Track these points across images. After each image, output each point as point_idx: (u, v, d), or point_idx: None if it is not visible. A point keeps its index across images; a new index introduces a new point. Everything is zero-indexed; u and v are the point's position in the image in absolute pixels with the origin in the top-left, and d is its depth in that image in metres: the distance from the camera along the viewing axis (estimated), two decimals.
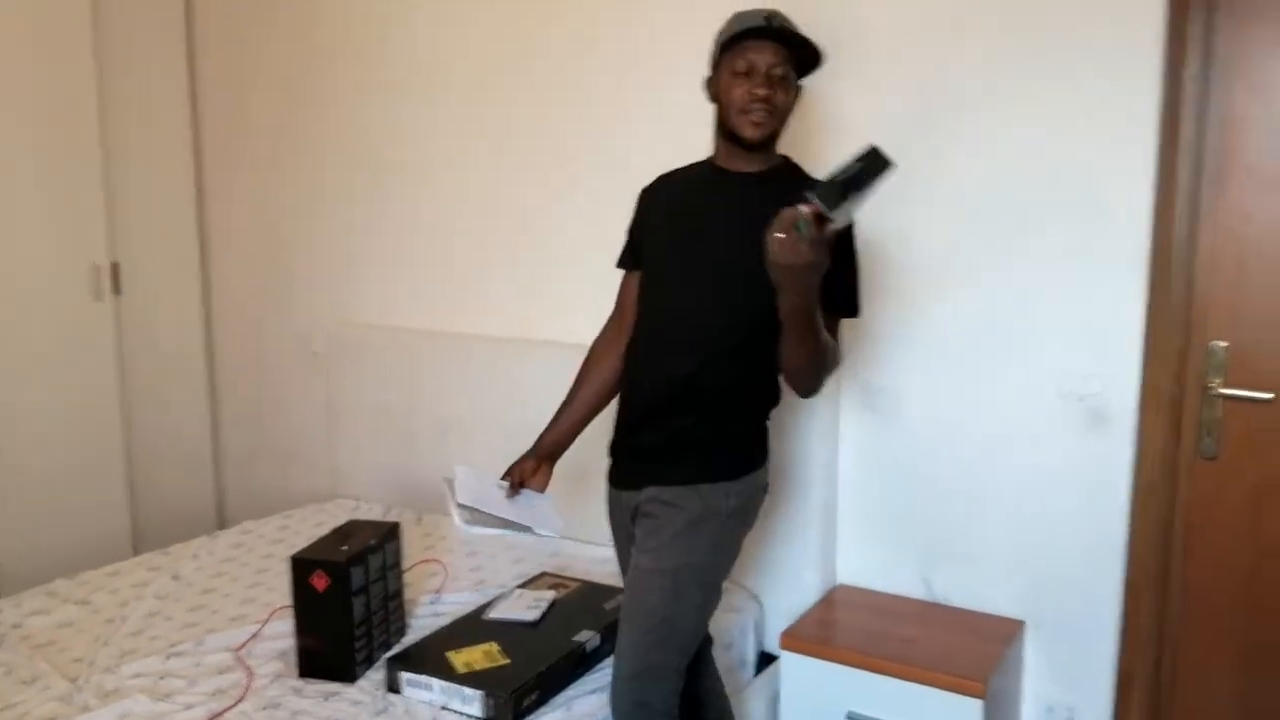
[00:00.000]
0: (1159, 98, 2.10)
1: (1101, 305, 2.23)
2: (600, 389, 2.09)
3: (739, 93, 1.76)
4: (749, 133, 1.77)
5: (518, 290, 3.02)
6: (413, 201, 3.20)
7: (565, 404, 2.12)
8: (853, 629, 2.40)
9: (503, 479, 2.11)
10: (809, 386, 1.81)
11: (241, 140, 3.56)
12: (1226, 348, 2.15)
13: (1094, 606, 2.32)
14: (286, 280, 3.54)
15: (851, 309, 1.86)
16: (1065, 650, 2.37)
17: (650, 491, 1.89)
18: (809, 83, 1.84)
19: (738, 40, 1.75)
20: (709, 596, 1.88)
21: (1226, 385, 2.16)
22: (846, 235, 1.77)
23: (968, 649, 2.27)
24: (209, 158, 3.65)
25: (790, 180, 1.78)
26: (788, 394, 1.91)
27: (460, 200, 3.10)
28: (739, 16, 1.79)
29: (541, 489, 2.11)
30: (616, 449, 2.01)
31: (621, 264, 2.05)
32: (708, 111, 1.88)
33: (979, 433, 2.40)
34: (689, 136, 1.99)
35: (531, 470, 2.11)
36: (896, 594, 2.56)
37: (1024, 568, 2.39)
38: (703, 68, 1.87)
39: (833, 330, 1.79)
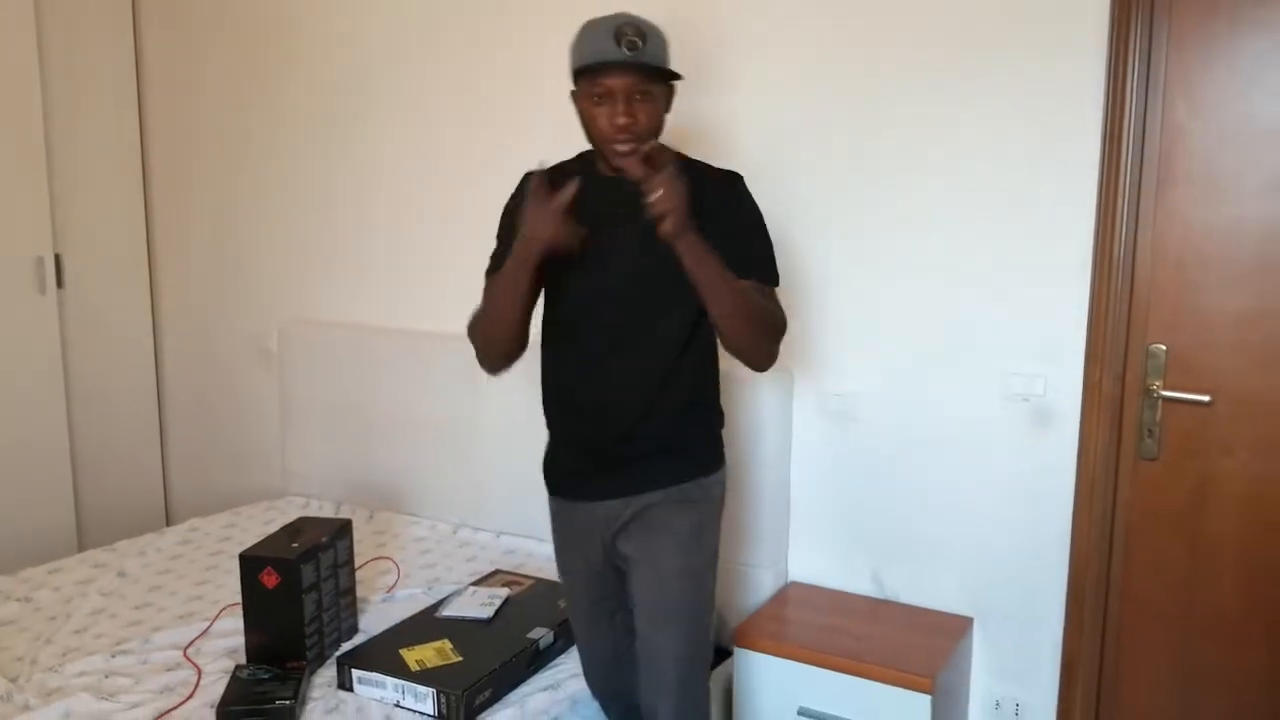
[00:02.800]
0: (1102, 110, 2.16)
1: (1046, 309, 2.28)
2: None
3: (601, 120, 1.71)
4: (619, 163, 1.72)
5: (472, 288, 3.00)
6: (368, 198, 3.18)
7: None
8: (805, 626, 2.43)
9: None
10: (751, 346, 1.77)
11: (191, 132, 3.51)
12: (1166, 351, 2.21)
13: (1039, 603, 2.37)
14: (237, 275, 3.49)
15: (766, 274, 1.82)
16: (1012, 645, 2.42)
17: (651, 496, 1.85)
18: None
19: (590, 70, 1.70)
20: (714, 583, 1.95)
21: (1166, 387, 2.22)
22: (750, 205, 1.83)
23: (917, 645, 2.31)
24: (156, 149, 3.59)
25: (690, 177, 1.68)
26: (743, 394, 1.93)
27: (416, 197, 3.08)
28: (589, 30, 1.73)
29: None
30: (576, 465, 1.93)
31: (496, 270, 1.89)
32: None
33: (928, 434, 2.44)
34: None
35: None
36: (848, 591, 2.59)
37: (972, 565, 2.44)
38: None
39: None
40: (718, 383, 1.95)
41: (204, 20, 3.42)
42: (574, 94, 1.78)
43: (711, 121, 2.51)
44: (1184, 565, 2.25)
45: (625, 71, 1.68)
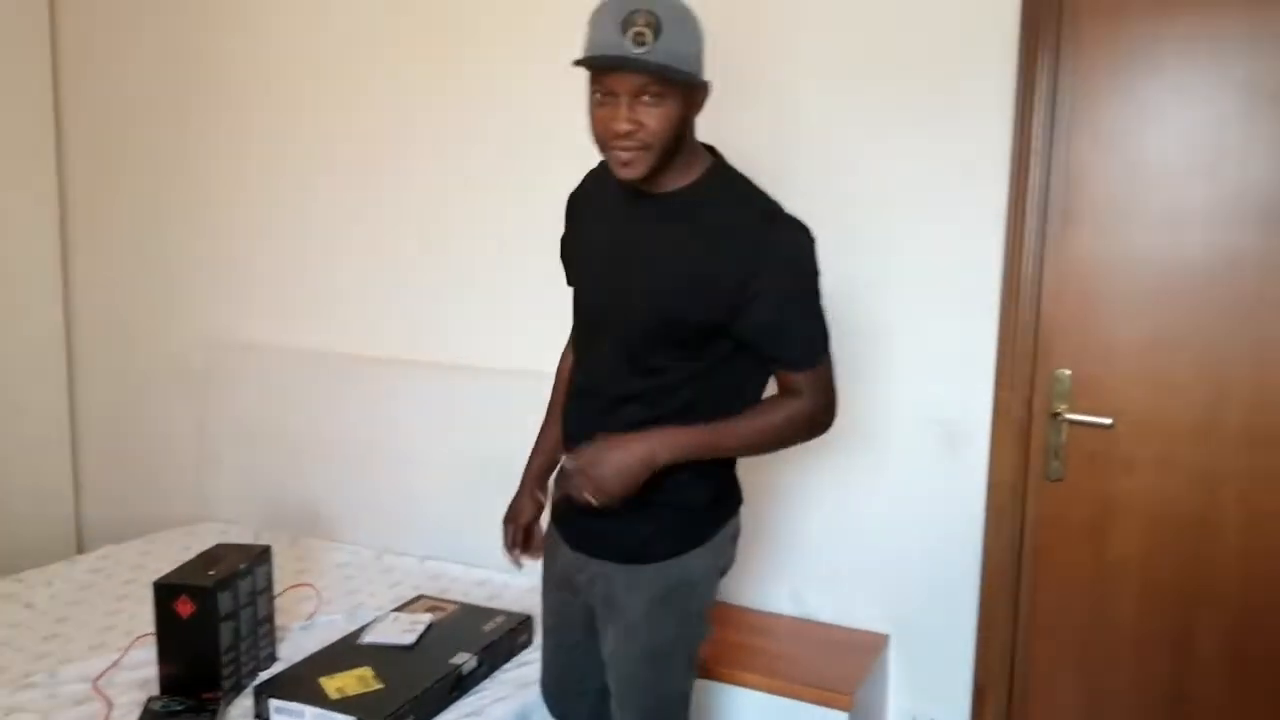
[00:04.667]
0: (1010, 145, 2.25)
1: (958, 335, 2.36)
2: None
3: (598, 124, 1.51)
4: (620, 173, 1.52)
5: (400, 312, 3.00)
6: (294, 218, 3.14)
7: (545, 424, 1.92)
8: (726, 645, 2.46)
9: (505, 524, 1.93)
10: (787, 447, 1.67)
11: (111, 144, 3.43)
12: (1071, 375, 2.30)
13: (952, 620, 2.44)
14: (157, 295, 3.42)
15: (796, 362, 1.62)
16: (926, 663, 2.49)
17: (604, 566, 1.69)
18: None
19: (589, 64, 1.48)
20: (693, 662, 1.76)
21: (1071, 411, 2.31)
22: (791, 277, 1.58)
23: (835, 663, 2.35)
24: (72, 160, 3.48)
25: (713, 202, 1.56)
26: None
27: (345, 220, 3.06)
28: (599, 13, 1.48)
29: (536, 552, 1.91)
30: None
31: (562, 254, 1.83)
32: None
33: (845, 455, 2.50)
34: (590, 152, 1.74)
35: (533, 510, 1.90)
36: (768, 611, 2.63)
37: (888, 584, 2.50)
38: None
39: (790, 386, 1.62)
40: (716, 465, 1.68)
41: (127, 16, 3.33)
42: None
43: None
44: (1089, 583, 2.34)
45: (629, 69, 1.44)
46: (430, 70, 2.87)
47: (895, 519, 2.47)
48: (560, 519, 1.81)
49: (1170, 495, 2.24)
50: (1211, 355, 2.18)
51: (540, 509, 1.92)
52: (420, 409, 2.83)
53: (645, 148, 1.50)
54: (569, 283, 1.80)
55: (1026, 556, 2.38)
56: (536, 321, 1.88)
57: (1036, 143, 2.22)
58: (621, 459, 1.54)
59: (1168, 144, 2.17)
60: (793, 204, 2.48)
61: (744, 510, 2.60)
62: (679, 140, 1.53)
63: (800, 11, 2.42)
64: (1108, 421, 2.27)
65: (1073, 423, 2.31)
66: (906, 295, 2.40)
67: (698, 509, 1.69)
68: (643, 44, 1.42)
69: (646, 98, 1.47)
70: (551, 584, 1.88)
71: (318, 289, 3.13)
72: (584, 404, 1.72)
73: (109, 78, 3.40)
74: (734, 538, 1.79)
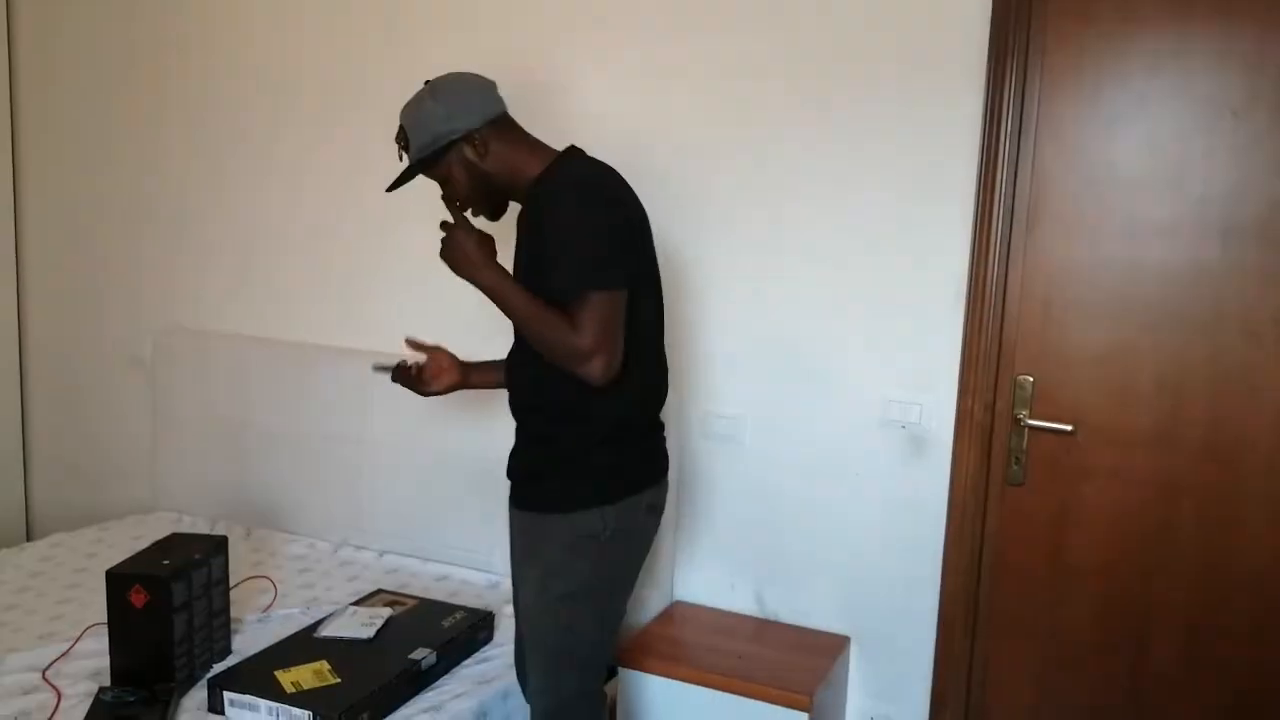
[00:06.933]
0: (978, 151, 2.27)
1: (923, 340, 2.38)
2: None
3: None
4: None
5: (354, 300, 2.97)
6: (248, 206, 3.10)
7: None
8: (688, 645, 2.46)
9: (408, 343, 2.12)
10: (555, 360, 1.76)
11: (64, 132, 3.37)
12: (1033, 382, 2.33)
13: (912, 623, 2.45)
14: (109, 281, 3.36)
15: (560, 286, 1.73)
16: (886, 664, 2.50)
17: (522, 517, 1.92)
18: None
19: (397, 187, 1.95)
20: (604, 618, 1.92)
21: (1033, 417, 2.33)
22: (555, 217, 1.76)
23: (796, 664, 2.36)
24: (26, 146, 3.42)
25: (533, 199, 1.85)
26: None
27: (298, 207, 3.03)
28: None
29: (442, 385, 2.12)
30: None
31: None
32: (557, 126, 1.97)
33: (810, 458, 2.51)
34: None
35: (446, 363, 2.12)
36: (731, 611, 2.64)
37: (849, 586, 2.51)
38: (531, 90, 1.99)
39: (568, 311, 1.71)
40: (609, 412, 1.83)
41: (82, 12, 3.28)
42: None
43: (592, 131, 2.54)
44: (1047, 588, 2.37)
45: (405, 182, 1.92)
46: (378, 53, 2.85)
47: (857, 521, 2.48)
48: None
49: (1128, 501, 2.27)
50: (1171, 365, 2.21)
51: (449, 380, 2.12)
52: (380, 401, 2.80)
53: (466, 203, 1.91)
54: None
55: (986, 560, 2.41)
56: (496, 319, 1.89)
57: (1003, 147, 2.25)
58: (464, 252, 1.82)
59: (1132, 155, 2.20)
60: (758, 207, 2.51)
61: (710, 510, 2.64)
62: (486, 186, 1.89)
63: (765, 11, 2.42)
64: (1068, 428, 2.30)
65: (1034, 428, 2.33)
66: (872, 299, 2.41)
67: (583, 472, 1.85)
68: (402, 159, 1.91)
69: (439, 182, 1.91)
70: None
71: (275, 278, 3.09)
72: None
73: (63, 68, 3.34)
74: (652, 510, 1.95)
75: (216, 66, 3.10)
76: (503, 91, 1.93)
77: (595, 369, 1.70)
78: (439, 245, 1.85)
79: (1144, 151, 2.19)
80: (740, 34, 2.45)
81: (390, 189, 1.93)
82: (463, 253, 1.82)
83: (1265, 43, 2.08)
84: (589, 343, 1.69)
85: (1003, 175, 2.26)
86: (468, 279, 1.82)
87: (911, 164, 2.33)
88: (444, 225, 1.86)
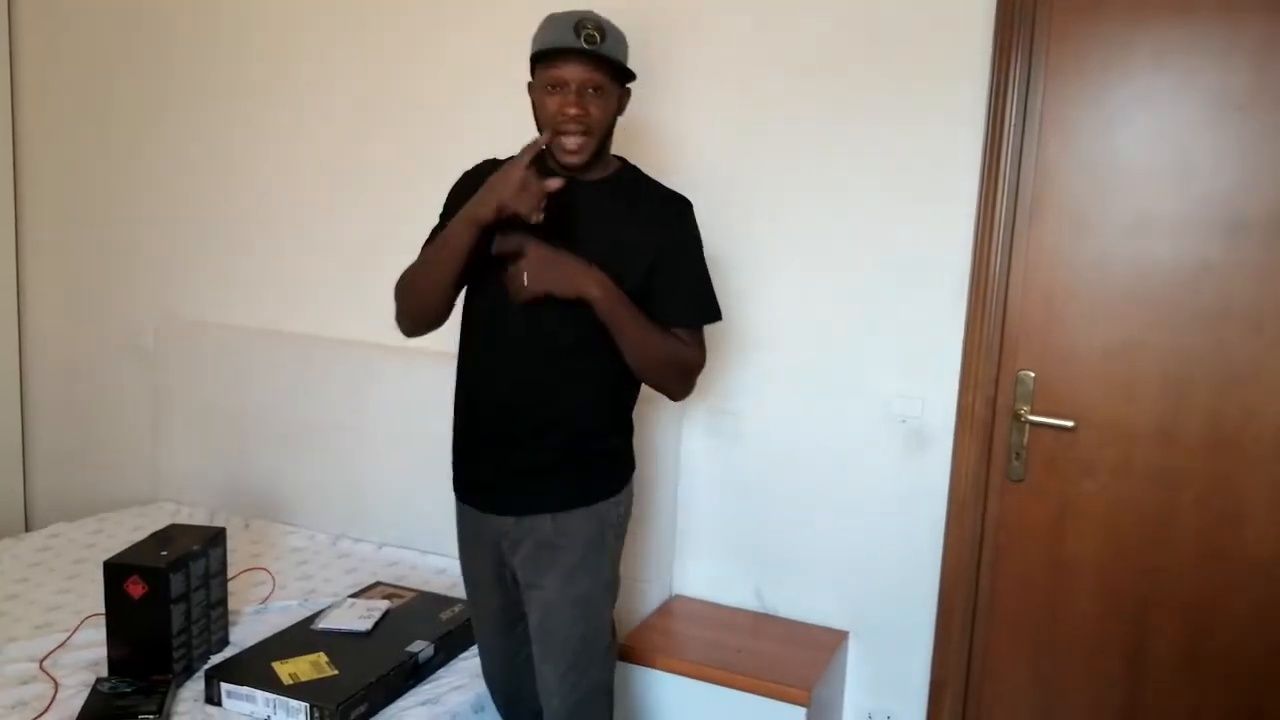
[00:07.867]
0: (981, 146, 2.26)
1: (926, 335, 2.37)
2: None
3: (552, 107, 1.71)
4: (565, 159, 1.72)
5: (356, 292, 2.96)
6: (249, 197, 3.10)
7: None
8: (686, 639, 2.46)
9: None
10: (659, 385, 1.84)
11: (64, 120, 3.36)
12: (1035, 377, 2.32)
13: (911, 618, 2.45)
14: (110, 272, 3.35)
15: (688, 313, 1.82)
16: (884, 660, 2.50)
17: (537, 521, 1.82)
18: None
19: (546, 57, 1.70)
20: (612, 608, 1.92)
21: (1034, 413, 2.32)
22: (686, 237, 1.81)
23: (794, 659, 2.36)
24: (28, 137, 3.41)
25: (636, 188, 1.82)
26: (635, 410, 1.93)
27: (300, 199, 3.02)
28: (551, 22, 1.73)
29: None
30: (477, 472, 1.89)
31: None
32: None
33: (810, 452, 2.50)
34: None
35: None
36: (730, 605, 2.63)
37: (849, 581, 2.51)
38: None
39: (680, 329, 1.80)
40: (628, 399, 1.89)
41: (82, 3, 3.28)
42: (530, 85, 1.78)
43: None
44: (1047, 584, 2.36)
45: (581, 62, 1.68)
46: (377, 42, 2.84)
47: (857, 516, 2.48)
48: (482, 490, 1.88)
49: (1129, 498, 2.27)
50: (1173, 361, 2.20)
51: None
52: (379, 393, 2.80)
53: (589, 133, 1.72)
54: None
55: (986, 556, 2.40)
56: None
57: (1007, 141, 2.23)
58: (571, 265, 1.69)
59: (1137, 150, 2.19)
60: (758, 202, 2.50)
61: (711, 505, 2.63)
62: (608, 136, 1.77)
63: (765, 10, 2.41)
64: (1069, 424, 2.29)
65: (1035, 424, 2.33)
66: (874, 294, 2.40)
67: (613, 457, 1.89)
68: (594, 43, 1.68)
69: (591, 90, 1.70)
70: (476, 568, 1.96)
71: (275, 269, 3.08)
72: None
73: (62, 58, 3.33)
74: (632, 495, 1.96)
75: (216, 56, 3.09)
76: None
77: (694, 382, 1.87)
78: (509, 281, 1.70)
79: (1148, 146, 2.18)
80: (738, 15, 2.44)
81: (590, 53, 1.67)
82: (562, 267, 1.69)
83: (1271, 38, 2.06)
84: (704, 361, 1.85)
85: (1006, 169, 2.25)
86: (576, 293, 1.68)
87: (914, 158, 2.32)
88: (506, 253, 1.70)
